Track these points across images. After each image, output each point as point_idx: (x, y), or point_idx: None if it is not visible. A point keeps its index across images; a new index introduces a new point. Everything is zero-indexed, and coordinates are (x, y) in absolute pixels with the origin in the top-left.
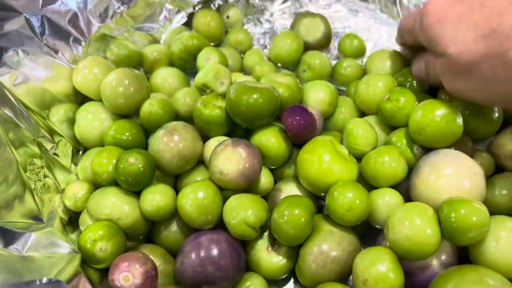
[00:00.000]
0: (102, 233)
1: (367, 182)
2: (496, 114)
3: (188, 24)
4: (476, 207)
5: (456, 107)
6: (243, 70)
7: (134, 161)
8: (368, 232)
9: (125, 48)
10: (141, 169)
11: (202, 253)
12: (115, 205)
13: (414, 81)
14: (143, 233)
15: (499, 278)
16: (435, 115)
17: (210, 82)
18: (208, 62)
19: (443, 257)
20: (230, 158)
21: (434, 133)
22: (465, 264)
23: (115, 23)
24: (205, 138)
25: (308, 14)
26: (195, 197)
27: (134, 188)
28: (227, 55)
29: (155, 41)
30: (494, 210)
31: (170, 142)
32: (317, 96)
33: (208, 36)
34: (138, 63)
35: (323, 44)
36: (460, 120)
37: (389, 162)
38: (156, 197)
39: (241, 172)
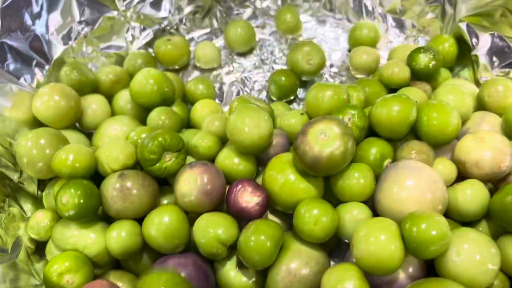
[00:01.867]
0: (69, 264)
1: (336, 198)
2: (455, 120)
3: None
4: (436, 220)
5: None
6: None
7: (67, 201)
8: (339, 246)
9: (78, 72)
10: (77, 207)
11: None
12: (80, 234)
13: None
14: (111, 260)
15: None
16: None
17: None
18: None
19: (410, 270)
20: (188, 180)
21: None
22: (432, 276)
23: (79, 44)
24: None
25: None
26: (160, 222)
27: (83, 221)
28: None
29: (122, 60)
30: (460, 218)
31: (123, 191)
32: None
33: (170, 62)
34: (92, 87)
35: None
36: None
37: (358, 178)
38: (121, 234)
39: (203, 191)
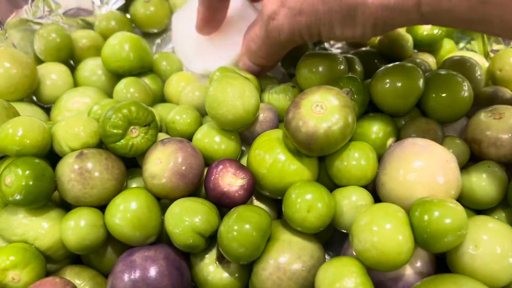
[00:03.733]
0: (15, 259)
1: (333, 181)
2: (466, 93)
3: (126, 6)
4: (451, 207)
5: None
6: None
7: (11, 183)
8: (334, 237)
9: (56, 34)
10: (25, 190)
11: (135, 274)
12: (30, 223)
13: None
14: (69, 254)
15: None
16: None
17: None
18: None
19: (418, 265)
20: (160, 158)
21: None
22: (443, 272)
23: (36, 7)
24: None
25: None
26: (126, 209)
27: (33, 207)
28: None
29: (89, 27)
30: (473, 205)
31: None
32: None
33: (148, 25)
34: (68, 52)
35: None
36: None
37: (358, 159)
38: (80, 224)
39: (176, 172)
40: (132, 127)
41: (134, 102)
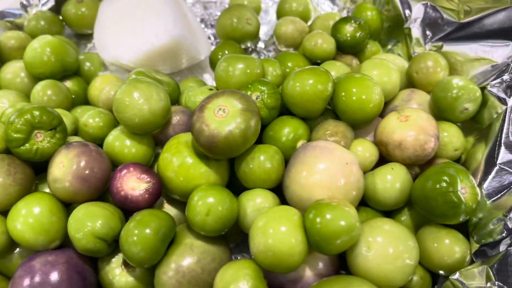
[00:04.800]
0: None
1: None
2: (376, 96)
3: (58, 7)
4: (343, 210)
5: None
6: None
7: None
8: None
9: None
10: None
11: (34, 279)
12: None
13: None
14: None
15: None
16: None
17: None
18: None
19: (319, 266)
20: (62, 162)
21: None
22: (346, 273)
23: None
24: None
25: None
26: (28, 214)
27: None
28: None
29: (18, 29)
30: (379, 207)
31: None
32: None
33: (80, 25)
34: None
35: None
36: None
37: (263, 162)
38: None
39: (79, 176)
40: (36, 131)
41: (38, 106)
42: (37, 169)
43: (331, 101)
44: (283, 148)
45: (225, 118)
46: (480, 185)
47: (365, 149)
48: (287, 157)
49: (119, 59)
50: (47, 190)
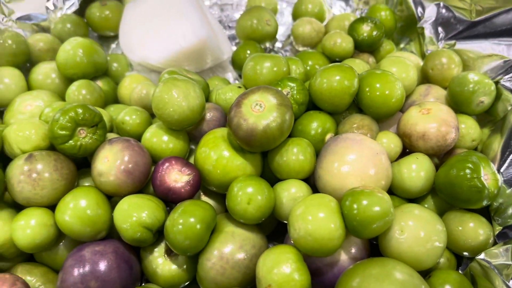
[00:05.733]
0: None
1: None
2: (398, 90)
3: (81, 10)
4: (378, 196)
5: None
6: None
7: None
8: (279, 228)
9: (12, 40)
10: None
11: (85, 268)
12: None
13: None
14: (20, 252)
15: (406, 271)
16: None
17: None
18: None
19: (352, 251)
20: (107, 157)
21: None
22: (377, 256)
23: None
24: None
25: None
26: (76, 207)
27: None
28: None
29: (43, 32)
30: (405, 195)
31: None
32: None
33: (103, 28)
34: (25, 57)
35: None
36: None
37: (296, 154)
38: (30, 225)
39: (123, 170)
40: (79, 128)
41: (81, 105)
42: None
43: (355, 96)
44: (312, 141)
45: (262, 113)
46: (498, 171)
47: (390, 141)
48: (316, 150)
49: (147, 59)
50: (87, 184)
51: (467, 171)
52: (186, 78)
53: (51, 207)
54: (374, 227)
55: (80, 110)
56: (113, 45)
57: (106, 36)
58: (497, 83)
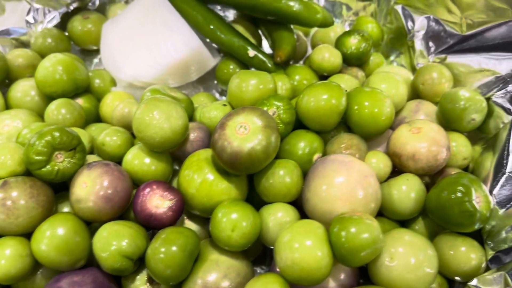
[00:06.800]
0: None
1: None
2: (388, 108)
3: (63, 24)
4: (367, 223)
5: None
6: None
7: None
8: (266, 252)
9: None
10: None
11: None
12: None
13: None
14: None
15: None
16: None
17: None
18: None
19: (341, 277)
20: (85, 182)
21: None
22: (368, 283)
23: None
24: None
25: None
26: (53, 235)
27: None
28: None
29: (23, 47)
30: (395, 216)
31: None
32: None
33: (86, 42)
34: (3, 73)
35: None
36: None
37: (283, 177)
38: (4, 255)
39: (102, 196)
40: (56, 152)
41: (58, 127)
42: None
43: (344, 115)
44: (300, 161)
45: (247, 135)
46: (490, 193)
47: (379, 161)
48: (304, 170)
49: (139, 77)
50: (65, 210)
51: (458, 194)
52: (168, 97)
53: (27, 235)
54: (363, 255)
55: (57, 134)
56: (96, 60)
57: (89, 50)
58: (488, 99)
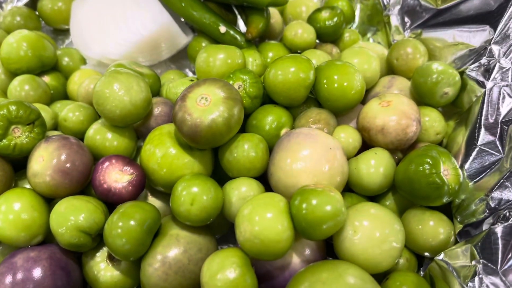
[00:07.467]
0: None
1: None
2: (357, 82)
3: (33, 3)
4: (329, 195)
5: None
6: None
7: None
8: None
9: None
10: None
11: (16, 276)
12: None
13: None
14: None
15: (358, 275)
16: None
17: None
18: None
19: (306, 253)
20: (42, 156)
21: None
22: (334, 258)
23: None
24: None
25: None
26: (8, 210)
27: None
28: None
29: None
30: (364, 192)
31: None
32: None
33: (57, 21)
34: None
35: None
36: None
37: (247, 151)
38: None
39: (60, 170)
40: (13, 126)
41: (14, 101)
42: (15, 166)
43: (313, 89)
44: (267, 136)
45: (208, 107)
46: (461, 167)
47: (348, 135)
48: (271, 146)
49: (107, 54)
50: (28, 186)
51: (426, 166)
52: (129, 71)
53: None
54: (324, 228)
55: (13, 107)
56: (68, 41)
57: (61, 30)
58: (462, 73)
